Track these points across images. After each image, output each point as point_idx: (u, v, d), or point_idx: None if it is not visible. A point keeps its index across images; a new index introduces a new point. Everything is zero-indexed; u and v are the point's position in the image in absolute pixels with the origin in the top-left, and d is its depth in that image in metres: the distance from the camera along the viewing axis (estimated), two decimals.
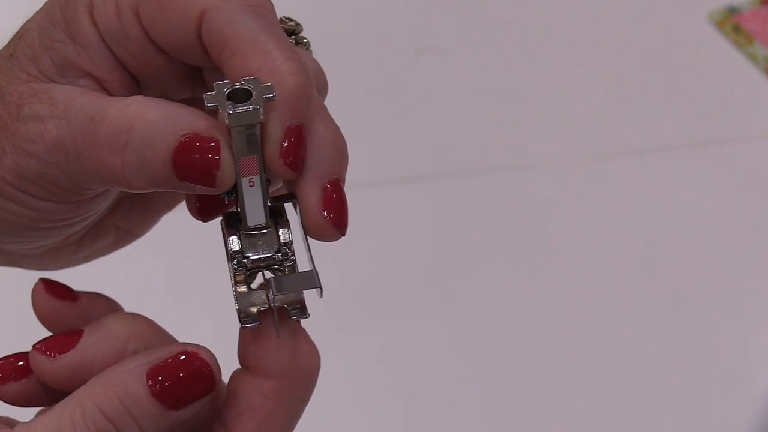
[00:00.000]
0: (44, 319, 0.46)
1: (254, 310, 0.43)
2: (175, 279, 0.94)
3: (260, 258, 0.43)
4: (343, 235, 0.44)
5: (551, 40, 1.13)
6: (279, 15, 0.48)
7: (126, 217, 0.52)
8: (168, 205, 0.53)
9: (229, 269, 0.43)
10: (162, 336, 0.45)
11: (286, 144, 0.42)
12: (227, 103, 0.41)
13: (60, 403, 0.42)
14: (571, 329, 0.92)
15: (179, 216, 0.53)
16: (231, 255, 0.43)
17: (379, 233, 0.97)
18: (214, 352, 0.43)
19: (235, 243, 0.43)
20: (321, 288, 0.43)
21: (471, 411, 0.88)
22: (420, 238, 0.98)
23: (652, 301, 0.94)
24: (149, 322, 0.44)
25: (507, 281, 0.95)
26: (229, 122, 0.41)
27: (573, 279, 0.96)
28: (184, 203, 0.52)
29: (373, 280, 0.95)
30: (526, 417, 0.88)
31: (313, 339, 0.43)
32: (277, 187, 0.45)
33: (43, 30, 0.46)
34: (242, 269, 0.43)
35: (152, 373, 0.42)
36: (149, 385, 0.41)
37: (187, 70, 0.46)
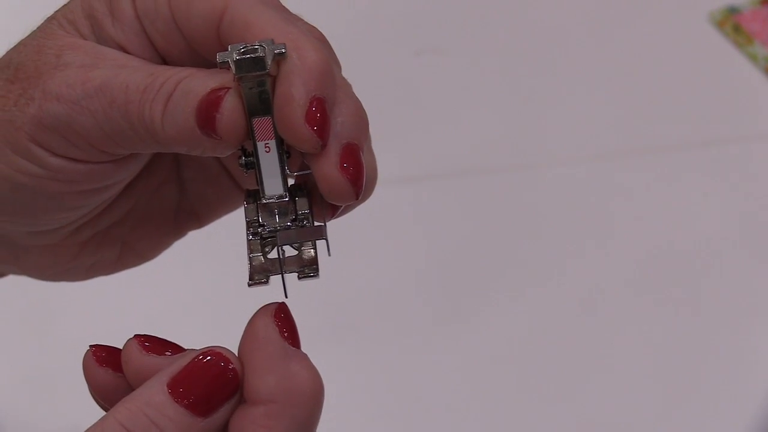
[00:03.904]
0: (133, 377, 0.43)
1: (264, 274, 0.42)
2: (186, 290, 0.94)
3: (275, 228, 0.43)
4: (357, 198, 0.43)
5: (551, 40, 1.13)
6: None
7: (134, 231, 0.52)
8: (177, 231, 0.53)
9: (246, 238, 0.43)
10: None
11: (312, 110, 0.42)
12: (234, 52, 0.42)
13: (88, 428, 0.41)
14: (572, 328, 0.92)
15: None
16: (247, 224, 0.43)
17: (379, 233, 0.97)
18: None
19: (251, 212, 0.43)
20: (327, 239, 0.42)
21: (478, 414, 0.88)
22: (420, 238, 0.98)
23: (653, 301, 0.94)
24: None
25: (508, 281, 0.95)
26: (234, 70, 0.41)
27: (573, 279, 0.96)
28: (192, 233, 0.53)
29: (373, 280, 0.94)
30: (528, 418, 0.88)
31: (310, 338, 0.43)
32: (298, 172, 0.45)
33: (86, 0, 0.47)
34: (258, 238, 0.43)
35: (173, 382, 0.40)
36: (172, 394, 0.40)
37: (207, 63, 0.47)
